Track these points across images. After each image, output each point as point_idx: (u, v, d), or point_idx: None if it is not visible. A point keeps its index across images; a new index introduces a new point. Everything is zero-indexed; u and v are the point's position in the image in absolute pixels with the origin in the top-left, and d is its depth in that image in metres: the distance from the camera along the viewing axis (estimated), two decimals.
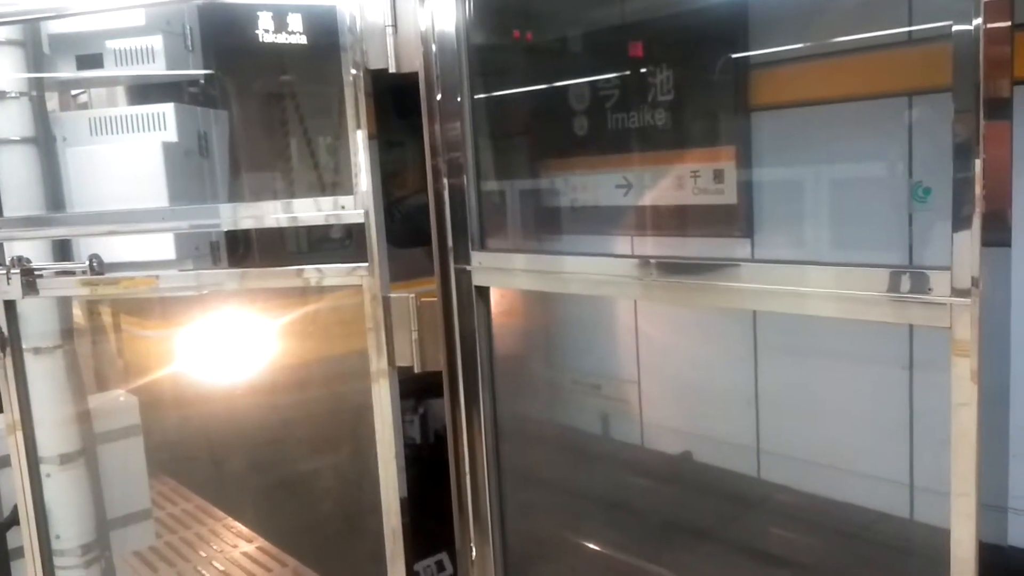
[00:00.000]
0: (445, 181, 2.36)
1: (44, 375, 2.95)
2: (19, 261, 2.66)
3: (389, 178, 2.53)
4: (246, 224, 2.81)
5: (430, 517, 2.89)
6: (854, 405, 4.64)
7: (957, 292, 1.51)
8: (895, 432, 4.45)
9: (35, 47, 2.91)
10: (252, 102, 5.85)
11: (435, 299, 2.40)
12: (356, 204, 2.33)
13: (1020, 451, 1.73)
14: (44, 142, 2.93)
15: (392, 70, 2.30)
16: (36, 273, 2.67)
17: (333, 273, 2.46)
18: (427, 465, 3.81)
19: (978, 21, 1.40)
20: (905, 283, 1.59)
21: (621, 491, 5.54)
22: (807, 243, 4.90)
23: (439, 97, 2.31)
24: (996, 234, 1.47)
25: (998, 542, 1.58)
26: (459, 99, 2.31)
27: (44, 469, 2.99)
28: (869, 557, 4.41)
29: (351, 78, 2.28)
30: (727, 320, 5.16)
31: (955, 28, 1.43)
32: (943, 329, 1.53)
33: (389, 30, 2.27)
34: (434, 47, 2.28)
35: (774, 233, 4.95)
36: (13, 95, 2.86)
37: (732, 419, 5.25)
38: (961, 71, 1.44)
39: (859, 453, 4.60)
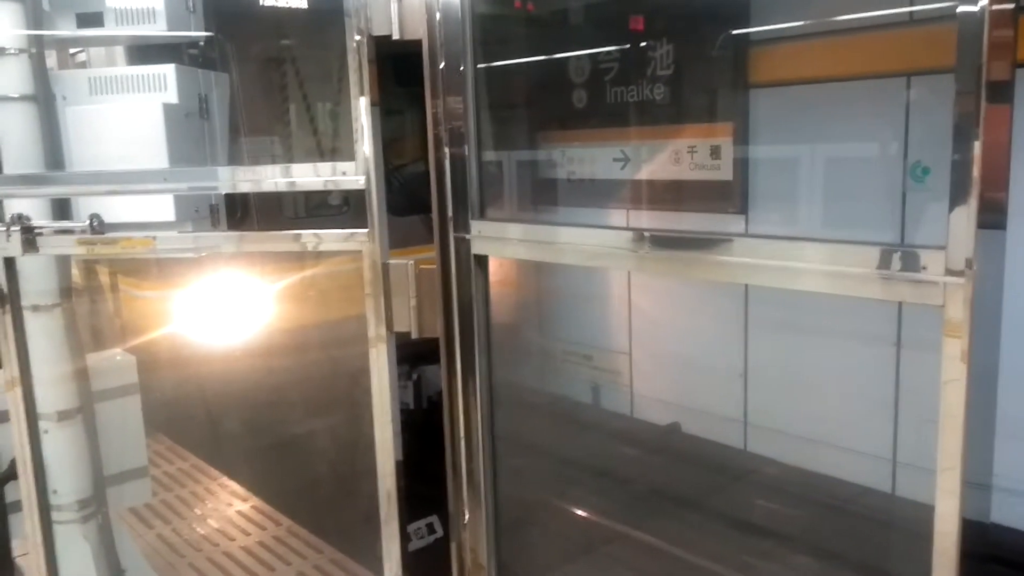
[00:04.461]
0: (446, 150, 2.37)
1: (43, 332, 2.96)
2: (19, 219, 2.66)
3: (387, 146, 2.53)
4: (245, 188, 2.81)
5: (421, 481, 2.93)
6: (842, 381, 4.70)
7: (951, 272, 1.53)
8: (881, 408, 4.50)
9: (35, 3, 2.89)
10: (253, 66, 5.81)
11: (433, 266, 2.42)
12: (357, 170, 2.34)
13: (1006, 431, 1.76)
14: (44, 100, 2.91)
15: (396, 37, 2.30)
16: (36, 231, 2.67)
17: (332, 239, 2.46)
18: (419, 430, 3.84)
19: (984, 3, 1.41)
20: (900, 261, 1.61)
21: (611, 460, 5.61)
22: (801, 221, 4.92)
23: (442, 65, 2.31)
24: (992, 216, 1.49)
25: (981, 519, 1.61)
26: (462, 68, 2.31)
27: (42, 425, 3.01)
28: (853, 529, 4.48)
29: (355, 44, 2.28)
30: (718, 296, 5.20)
31: (960, 9, 1.44)
32: (936, 308, 1.56)
33: None
34: (438, 14, 2.28)
35: (768, 210, 4.98)
36: (12, 52, 2.84)
37: (721, 392, 5.30)
38: (964, 52, 1.45)
39: (846, 428, 4.66)
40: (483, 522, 2.52)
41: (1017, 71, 1.45)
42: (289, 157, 5.93)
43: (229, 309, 4.54)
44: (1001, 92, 1.44)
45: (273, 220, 5.60)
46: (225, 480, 5.16)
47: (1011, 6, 1.41)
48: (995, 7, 1.41)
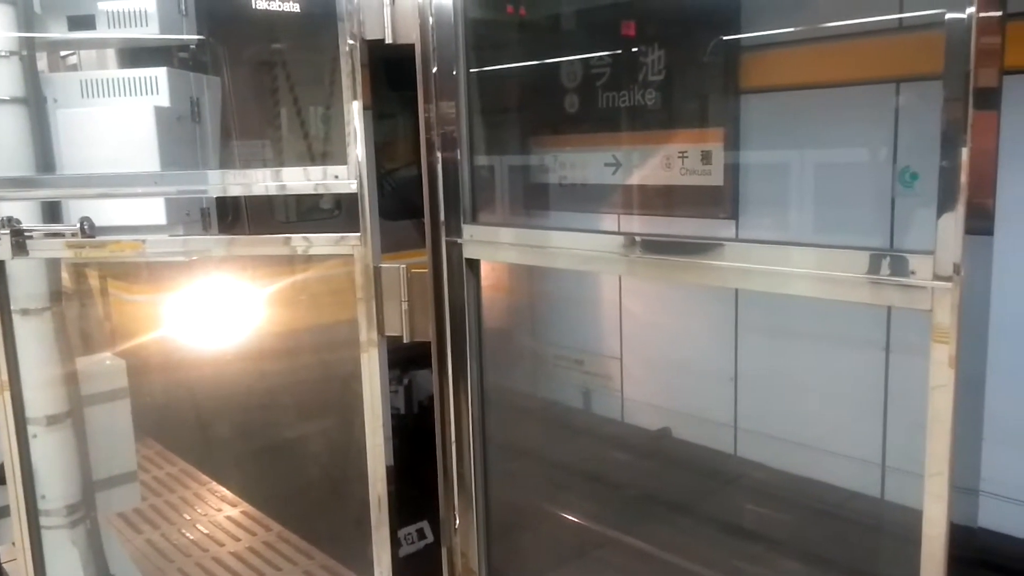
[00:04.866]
0: (438, 154, 2.37)
1: (32, 336, 2.95)
2: (9, 222, 2.65)
3: (379, 150, 2.53)
4: (236, 191, 2.81)
5: (412, 486, 2.93)
6: (832, 385, 4.71)
7: (939, 277, 1.53)
8: (871, 412, 4.52)
9: (26, 6, 2.88)
10: (245, 69, 5.81)
11: (425, 270, 2.42)
12: (349, 174, 2.34)
13: (993, 436, 1.77)
14: (35, 103, 2.90)
15: (389, 41, 2.30)
16: (26, 234, 2.66)
17: (324, 242, 2.46)
18: (410, 435, 3.84)
19: (971, 10, 1.41)
20: (888, 266, 1.62)
21: (601, 464, 5.61)
22: (791, 226, 4.94)
23: (435, 70, 2.32)
24: (979, 222, 1.49)
25: (968, 523, 1.61)
26: (455, 72, 2.31)
27: (31, 430, 2.99)
28: (842, 534, 4.49)
29: (347, 48, 2.28)
30: (709, 300, 5.21)
31: (948, 16, 1.45)
32: (924, 312, 1.56)
33: (387, 0, 2.26)
34: (431, 19, 2.28)
35: (759, 215, 4.99)
36: (4, 54, 2.83)
37: (711, 397, 5.31)
38: (952, 59, 1.46)
39: (835, 432, 4.67)
40: (474, 527, 2.52)
41: (1004, 78, 1.46)
42: (280, 161, 5.93)
43: (220, 313, 4.54)
44: (988, 99, 1.45)
45: (264, 224, 5.59)
46: (215, 485, 5.14)
47: (998, 13, 1.42)
48: (982, 14, 1.42)
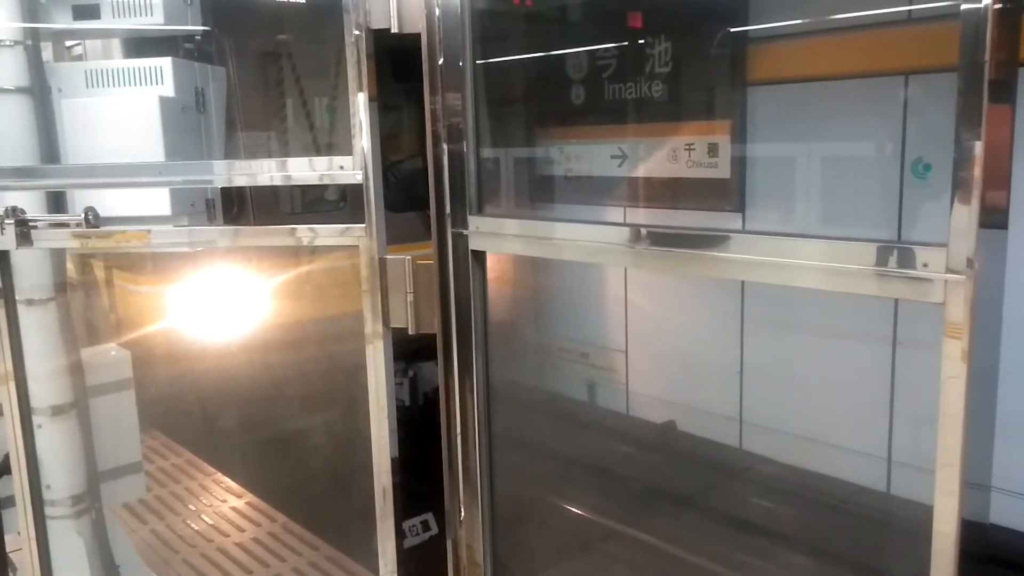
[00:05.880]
0: (444, 146, 2.36)
1: (37, 327, 2.95)
2: (13, 212, 2.65)
3: (385, 141, 2.52)
4: (241, 182, 2.80)
5: (417, 478, 2.92)
6: (838, 379, 4.69)
7: (952, 270, 1.52)
8: (877, 407, 4.50)
9: None
10: (251, 59, 5.80)
11: (430, 262, 2.42)
12: (355, 165, 2.33)
13: (1006, 432, 1.76)
14: (39, 92, 2.90)
15: (395, 31, 2.29)
16: (31, 224, 2.66)
17: (329, 234, 2.46)
18: (415, 427, 3.83)
19: (987, 1, 1.40)
20: (901, 258, 1.60)
21: (606, 457, 5.61)
22: (798, 219, 4.91)
23: (441, 60, 2.30)
24: (993, 216, 1.48)
25: (980, 519, 1.60)
26: (461, 63, 2.30)
27: (36, 420, 3.00)
28: (848, 528, 4.48)
29: (353, 38, 2.27)
30: (715, 293, 5.20)
31: (963, 7, 1.43)
32: (936, 306, 1.55)
33: None
34: (437, 9, 2.27)
35: (766, 208, 4.97)
36: (8, 43, 2.82)
37: (717, 390, 5.30)
38: (966, 51, 1.44)
39: (842, 426, 4.66)
40: (479, 519, 2.51)
41: (1020, 70, 1.44)
42: (286, 152, 5.92)
43: (224, 304, 4.54)
44: (1003, 91, 1.43)
45: (270, 215, 5.60)
46: (220, 476, 5.15)
47: (1016, 4, 1.40)
48: (998, 5, 1.40)
